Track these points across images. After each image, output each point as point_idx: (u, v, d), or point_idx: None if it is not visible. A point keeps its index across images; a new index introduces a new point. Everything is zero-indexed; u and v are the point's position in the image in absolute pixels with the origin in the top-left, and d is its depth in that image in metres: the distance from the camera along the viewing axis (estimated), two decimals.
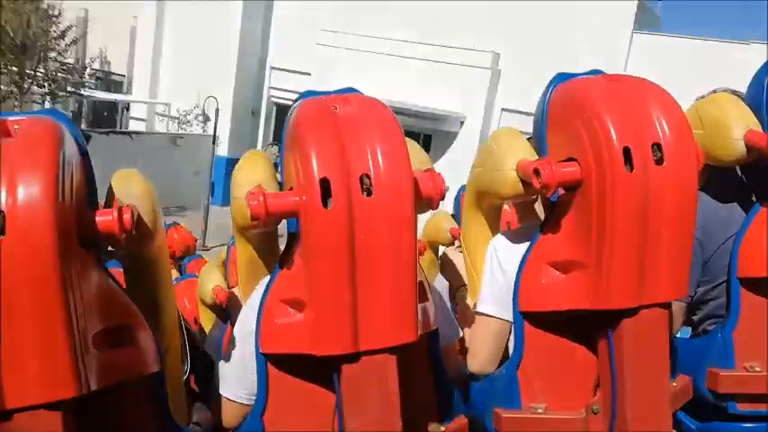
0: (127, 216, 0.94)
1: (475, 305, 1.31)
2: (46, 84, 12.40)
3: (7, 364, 0.84)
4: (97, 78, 16.03)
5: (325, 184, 0.91)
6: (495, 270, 1.24)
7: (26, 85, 11.89)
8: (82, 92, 13.46)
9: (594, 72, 1.19)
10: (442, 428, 1.14)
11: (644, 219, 1.04)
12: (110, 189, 1.05)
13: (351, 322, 0.94)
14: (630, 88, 1.11)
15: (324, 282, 0.94)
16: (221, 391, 1.16)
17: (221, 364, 1.18)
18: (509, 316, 1.22)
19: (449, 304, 1.34)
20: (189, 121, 13.97)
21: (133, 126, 15.04)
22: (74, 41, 12.82)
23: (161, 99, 14.81)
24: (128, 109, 15.56)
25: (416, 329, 0.99)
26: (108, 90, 15.92)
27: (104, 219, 0.93)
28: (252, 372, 1.12)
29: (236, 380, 1.15)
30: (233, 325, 1.26)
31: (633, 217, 1.04)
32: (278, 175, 1.18)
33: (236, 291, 1.45)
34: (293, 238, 1.05)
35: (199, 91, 13.26)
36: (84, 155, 0.98)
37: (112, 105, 15.63)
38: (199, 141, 12.65)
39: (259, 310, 1.07)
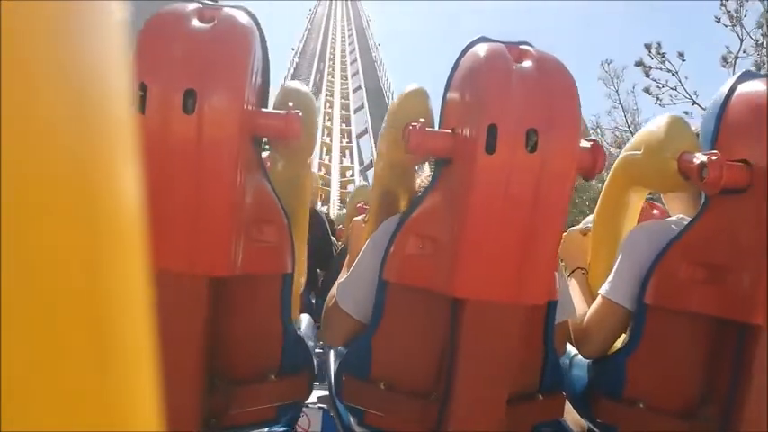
0: (297, 123, 0.99)
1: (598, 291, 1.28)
2: None
3: (171, 233, 0.93)
4: None
5: (492, 131, 0.92)
6: (636, 259, 1.19)
7: None
8: None
9: None
10: (540, 396, 1.16)
11: None
12: (280, 93, 1.12)
13: (505, 270, 0.96)
14: None
15: (472, 226, 0.95)
16: (342, 305, 1.20)
17: (348, 280, 1.22)
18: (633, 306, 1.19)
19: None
20: None
21: None
22: None
23: None
24: None
25: (547, 293, 1.00)
26: None
27: (276, 122, 0.99)
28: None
29: (364, 298, 1.17)
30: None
31: None
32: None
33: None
34: (438, 178, 1.07)
35: None
36: (265, 58, 1.03)
37: None
38: None
39: (390, 240, 1.10)
